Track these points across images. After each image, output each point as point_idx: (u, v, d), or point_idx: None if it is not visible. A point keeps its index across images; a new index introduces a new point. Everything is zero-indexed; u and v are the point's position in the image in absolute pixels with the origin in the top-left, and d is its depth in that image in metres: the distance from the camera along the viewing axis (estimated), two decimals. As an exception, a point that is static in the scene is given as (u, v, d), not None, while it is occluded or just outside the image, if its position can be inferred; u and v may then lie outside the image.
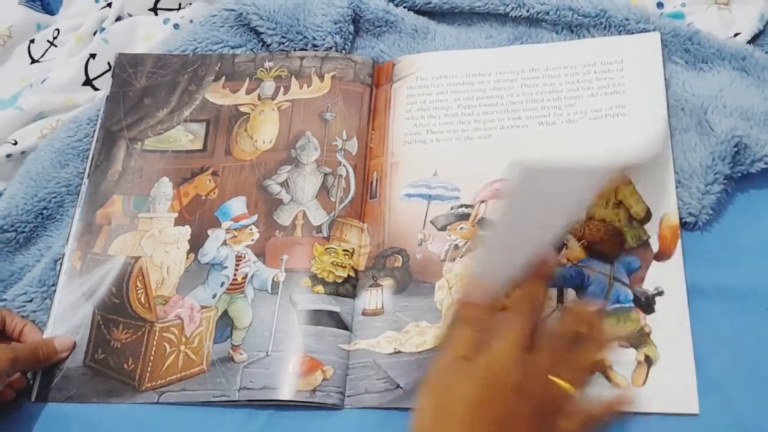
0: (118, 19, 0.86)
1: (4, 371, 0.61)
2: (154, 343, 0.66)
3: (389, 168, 0.72)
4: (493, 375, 0.49)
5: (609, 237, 0.65)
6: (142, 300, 0.68)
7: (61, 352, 0.67)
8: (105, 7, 0.87)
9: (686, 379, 0.59)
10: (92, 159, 0.75)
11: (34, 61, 0.86)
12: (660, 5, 0.78)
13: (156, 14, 0.87)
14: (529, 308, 0.53)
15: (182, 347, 0.66)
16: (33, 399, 0.66)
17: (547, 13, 0.76)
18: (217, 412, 0.64)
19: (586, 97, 0.72)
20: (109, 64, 0.82)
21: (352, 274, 0.68)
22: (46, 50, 0.87)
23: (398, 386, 0.62)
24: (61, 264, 0.71)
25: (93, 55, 0.82)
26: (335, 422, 0.62)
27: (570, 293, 0.64)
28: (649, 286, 0.63)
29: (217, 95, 0.77)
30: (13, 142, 0.78)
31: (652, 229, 0.65)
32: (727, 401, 0.58)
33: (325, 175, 0.72)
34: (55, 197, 0.75)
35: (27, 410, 0.65)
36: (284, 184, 0.72)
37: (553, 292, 0.64)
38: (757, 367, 0.59)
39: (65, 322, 0.68)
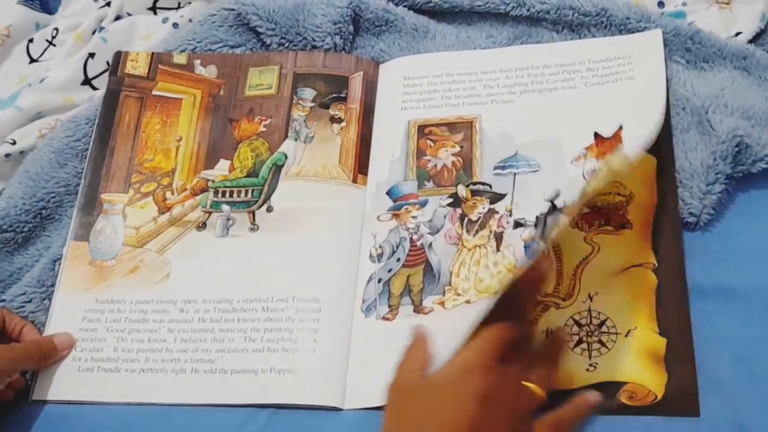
0: (117, 18, 0.86)
1: (4, 371, 0.61)
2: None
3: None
4: (458, 386, 0.52)
5: None
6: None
7: (61, 350, 0.67)
8: (104, 6, 0.87)
9: (687, 381, 0.59)
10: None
11: (32, 60, 0.86)
12: (661, 4, 0.78)
13: (155, 13, 0.87)
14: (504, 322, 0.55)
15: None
16: (31, 399, 0.66)
17: (548, 12, 0.76)
18: (217, 412, 0.63)
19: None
20: (108, 63, 0.82)
21: None
22: (45, 49, 0.87)
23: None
24: (59, 264, 0.71)
25: (92, 55, 0.82)
26: (335, 422, 0.62)
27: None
28: None
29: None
30: (12, 141, 0.78)
31: None
32: (729, 403, 0.58)
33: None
34: (53, 197, 0.74)
35: (26, 410, 0.65)
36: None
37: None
38: (758, 368, 0.59)
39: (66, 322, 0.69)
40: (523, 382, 0.54)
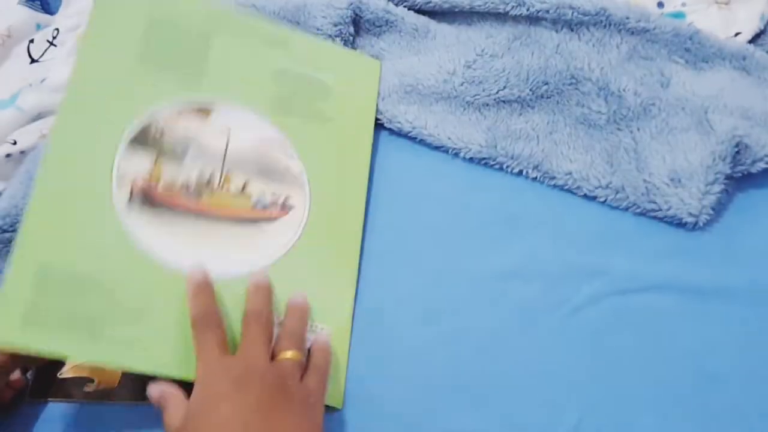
0: (118, 18, 0.86)
1: (4, 367, 0.61)
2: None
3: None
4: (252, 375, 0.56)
5: None
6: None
7: None
8: (104, 6, 0.87)
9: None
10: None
11: (33, 60, 0.86)
12: (660, 4, 0.78)
13: (156, 13, 0.87)
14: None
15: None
16: (28, 396, 0.65)
17: (547, 12, 0.76)
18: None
19: None
20: (108, 63, 0.82)
21: None
22: (46, 50, 0.87)
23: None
24: (60, 265, 0.71)
25: (92, 55, 0.82)
26: (335, 422, 0.62)
27: None
28: None
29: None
30: (13, 142, 0.78)
31: None
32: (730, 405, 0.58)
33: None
34: (54, 198, 0.74)
35: (25, 409, 0.65)
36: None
37: None
38: (758, 369, 0.59)
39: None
40: (279, 356, 0.58)
